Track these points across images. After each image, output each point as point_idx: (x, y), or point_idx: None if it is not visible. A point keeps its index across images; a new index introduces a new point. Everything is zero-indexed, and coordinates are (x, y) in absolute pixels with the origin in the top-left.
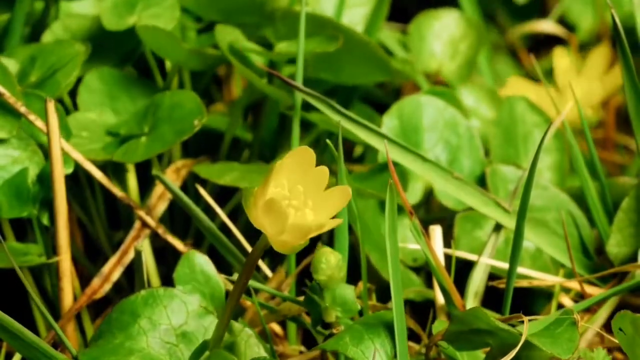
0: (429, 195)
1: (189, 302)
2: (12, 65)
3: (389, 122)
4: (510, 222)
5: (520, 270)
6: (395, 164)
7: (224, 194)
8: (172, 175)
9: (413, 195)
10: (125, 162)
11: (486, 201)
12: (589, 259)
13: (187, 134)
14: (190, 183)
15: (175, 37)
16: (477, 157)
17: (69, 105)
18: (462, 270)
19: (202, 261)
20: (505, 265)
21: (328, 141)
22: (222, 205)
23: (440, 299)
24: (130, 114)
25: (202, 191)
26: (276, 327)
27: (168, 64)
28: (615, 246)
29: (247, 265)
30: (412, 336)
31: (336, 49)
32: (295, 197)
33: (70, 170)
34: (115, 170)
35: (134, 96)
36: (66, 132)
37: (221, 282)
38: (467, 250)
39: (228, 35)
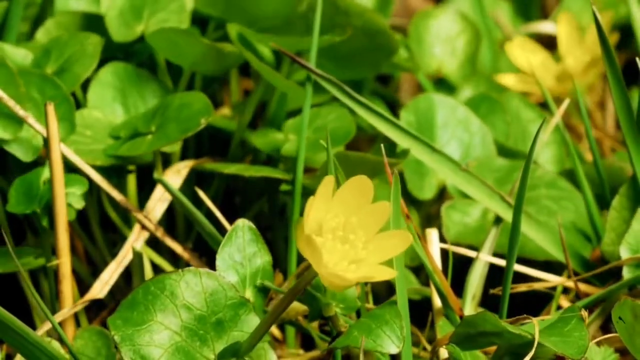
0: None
1: (229, 288)
2: (24, 55)
3: (407, 117)
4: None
5: (517, 267)
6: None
7: (226, 200)
8: (173, 176)
9: (428, 191)
10: (130, 156)
11: (491, 195)
12: (588, 242)
13: (192, 131)
14: (190, 186)
15: (193, 34)
16: (489, 154)
17: (80, 99)
18: (460, 258)
19: (249, 237)
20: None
21: None
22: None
23: (437, 302)
24: (138, 113)
25: (202, 195)
26: (275, 331)
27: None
28: (610, 245)
29: (291, 291)
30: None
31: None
32: (350, 230)
33: (80, 192)
34: (115, 173)
35: (145, 95)
36: (71, 128)
37: (267, 263)
38: (458, 238)
39: (236, 29)
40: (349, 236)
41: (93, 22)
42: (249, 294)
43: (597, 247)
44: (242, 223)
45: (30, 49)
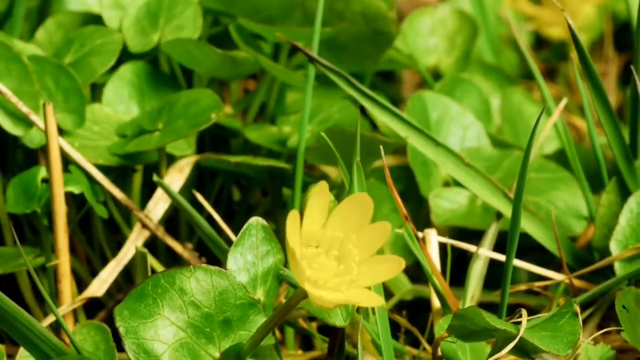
0: None
1: (239, 289)
2: (33, 51)
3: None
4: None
5: (515, 262)
6: (416, 156)
7: (229, 199)
8: (176, 175)
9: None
10: (137, 152)
11: (494, 191)
12: (583, 220)
13: (202, 126)
14: (193, 184)
15: (207, 45)
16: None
17: (87, 95)
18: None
19: (262, 235)
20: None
21: None
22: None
23: (437, 304)
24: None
25: (201, 198)
26: None
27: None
28: (603, 240)
29: (284, 307)
30: (411, 340)
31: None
32: (345, 249)
33: (77, 190)
34: (121, 172)
35: (162, 96)
36: (80, 121)
37: (279, 261)
38: (447, 223)
39: (235, 26)
40: (343, 254)
41: (94, 23)
42: (260, 293)
43: (586, 230)
44: (256, 221)
45: (49, 42)
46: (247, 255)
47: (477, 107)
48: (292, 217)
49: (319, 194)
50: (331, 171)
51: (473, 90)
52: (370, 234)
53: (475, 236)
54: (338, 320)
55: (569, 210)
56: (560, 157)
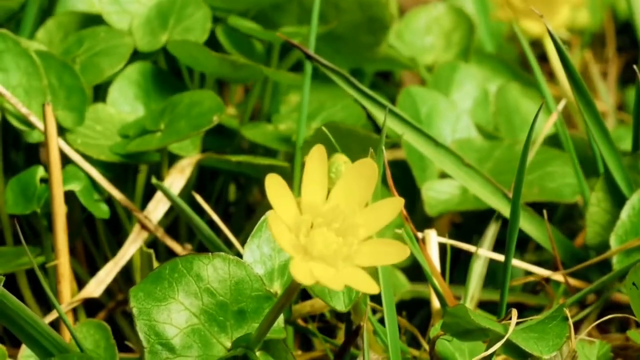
0: None
1: (256, 280)
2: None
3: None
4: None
5: (515, 262)
6: (412, 151)
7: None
8: (177, 175)
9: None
10: (138, 152)
11: (494, 191)
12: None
13: (204, 128)
14: (195, 184)
15: (206, 49)
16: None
17: (90, 95)
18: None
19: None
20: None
21: None
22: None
23: (437, 304)
24: (148, 112)
25: (201, 200)
26: None
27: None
28: (597, 238)
29: (288, 289)
30: (411, 340)
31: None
32: (349, 223)
33: (77, 188)
34: (123, 172)
35: (167, 95)
36: (80, 120)
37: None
38: (441, 212)
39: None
40: (346, 229)
41: (94, 23)
42: (276, 286)
43: (583, 231)
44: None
45: (49, 42)
46: (264, 248)
47: (475, 94)
48: (272, 180)
49: (317, 158)
50: None
51: (470, 78)
52: (378, 209)
53: (474, 233)
54: (339, 304)
55: (561, 180)
56: (552, 144)
